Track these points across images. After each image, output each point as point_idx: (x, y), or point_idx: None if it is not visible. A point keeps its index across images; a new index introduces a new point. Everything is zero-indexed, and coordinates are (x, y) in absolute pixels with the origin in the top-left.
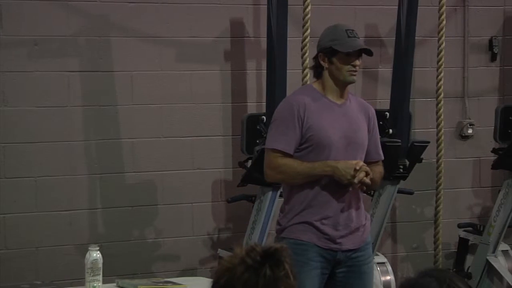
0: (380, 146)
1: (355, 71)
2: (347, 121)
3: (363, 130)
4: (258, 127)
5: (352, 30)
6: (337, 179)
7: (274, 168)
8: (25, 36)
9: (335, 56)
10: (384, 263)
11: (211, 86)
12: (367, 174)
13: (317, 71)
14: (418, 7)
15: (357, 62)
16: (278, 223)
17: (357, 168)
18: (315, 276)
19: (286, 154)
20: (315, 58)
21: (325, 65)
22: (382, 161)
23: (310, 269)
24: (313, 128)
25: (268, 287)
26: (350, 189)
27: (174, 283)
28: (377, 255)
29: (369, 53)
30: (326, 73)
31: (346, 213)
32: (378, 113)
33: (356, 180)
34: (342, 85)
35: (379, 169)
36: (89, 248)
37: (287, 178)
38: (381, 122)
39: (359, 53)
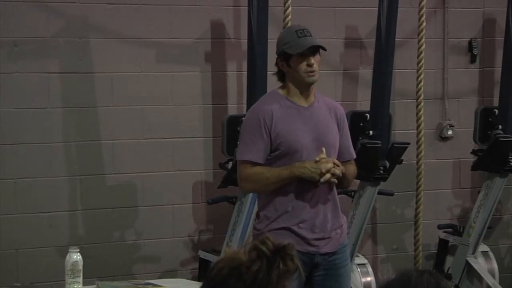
0: (351, 145)
1: (313, 70)
2: (316, 123)
3: (332, 130)
4: (238, 128)
5: (303, 29)
6: (308, 179)
7: (245, 179)
8: (4, 37)
9: (290, 59)
10: (364, 264)
11: (192, 88)
12: (335, 165)
13: (280, 76)
14: (398, 8)
15: (311, 61)
16: (255, 228)
17: (317, 159)
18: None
19: (255, 164)
20: (276, 63)
21: (284, 69)
22: (355, 160)
23: None
24: (282, 134)
25: (281, 279)
26: (323, 183)
27: (154, 285)
28: (357, 256)
29: (322, 48)
30: (287, 77)
31: (322, 216)
32: (358, 114)
33: (323, 170)
34: (304, 87)
35: (352, 168)
36: (69, 250)
37: (259, 186)
38: (361, 124)
39: (313, 51)
